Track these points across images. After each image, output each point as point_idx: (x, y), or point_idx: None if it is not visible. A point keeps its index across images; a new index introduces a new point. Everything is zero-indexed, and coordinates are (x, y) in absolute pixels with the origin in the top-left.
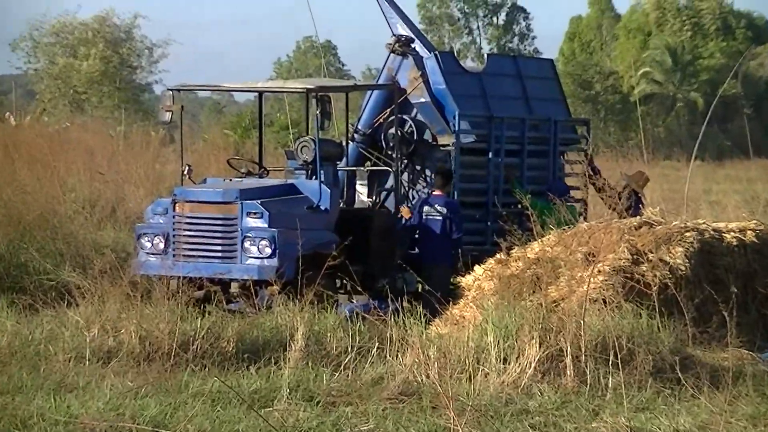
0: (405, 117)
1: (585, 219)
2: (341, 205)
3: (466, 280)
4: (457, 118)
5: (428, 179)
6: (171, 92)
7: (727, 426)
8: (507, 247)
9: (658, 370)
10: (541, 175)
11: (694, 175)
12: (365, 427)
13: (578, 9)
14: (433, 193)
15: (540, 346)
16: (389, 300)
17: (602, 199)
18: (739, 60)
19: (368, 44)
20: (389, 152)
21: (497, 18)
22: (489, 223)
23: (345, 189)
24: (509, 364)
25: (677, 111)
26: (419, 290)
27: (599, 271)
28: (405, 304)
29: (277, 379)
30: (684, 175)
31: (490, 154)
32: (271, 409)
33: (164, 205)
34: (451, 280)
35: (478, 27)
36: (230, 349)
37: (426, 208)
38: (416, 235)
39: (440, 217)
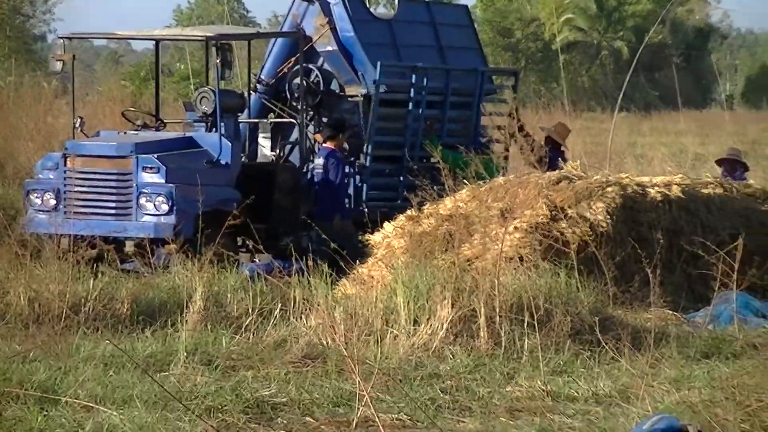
0: (311, 66)
1: (505, 174)
2: (243, 159)
3: (374, 238)
4: (379, 68)
5: None
6: (62, 40)
7: (649, 389)
8: (418, 203)
9: (576, 332)
10: (462, 129)
11: (618, 128)
12: (266, 392)
13: None
14: (323, 145)
15: (452, 307)
16: (293, 259)
17: (522, 153)
18: (667, 6)
19: None
20: (294, 103)
21: None
22: (401, 178)
23: (247, 142)
24: (420, 326)
25: (602, 60)
26: (323, 247)
27: (515, 228)
28: (310, 263)
29: (173, 343)
30: (608, 128)
31: (410, 106)
32: (167, 373)
33: (55, 159)
34: (352, 233)
35: None
36: (124, 311)
37: (315, 161)
38: None
39: (322, 170)
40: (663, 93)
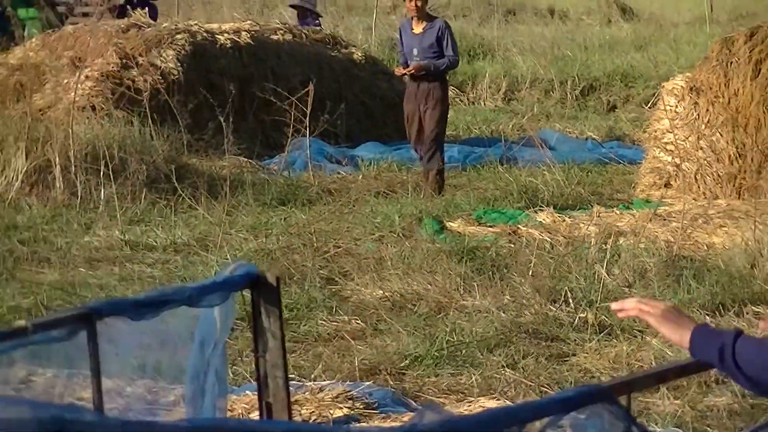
0: None
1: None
2: None
3: None
4: None
5: None
6: None
7: (227, 238)
8: None
9: (152, 181)
10: None
11: None
12: None
13: None
14: None
15: (27, 158)
16: None
17: None
18: None
19: None
20: None
21: None
22: None
23: None
24: None
25: None
26: None
27: (87, 77)
28: None
29: None
30: None
31: None
32: None
33: None
34: None
35: None
36: None
37: None
38: None
39: None
40: None
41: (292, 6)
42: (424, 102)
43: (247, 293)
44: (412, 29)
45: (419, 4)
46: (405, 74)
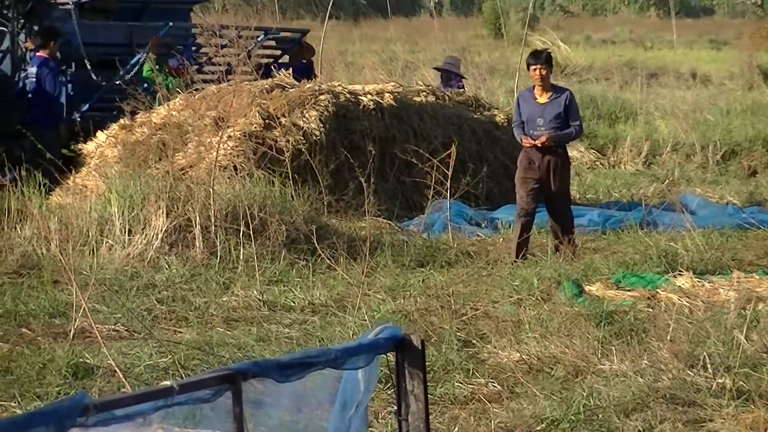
0: None
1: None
2: None
3: (87, 147)
4: None
5: None
6: None
7: (365, 298)
8: (131, 112)
9: (292, 241)
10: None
11: (329, 36)
12: None
13: None
14: (36, 54)
15: (167, 217)
16: (6, 169)
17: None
18: None
19: None
20: (5, 11)
21: None
22: (114, 87)
23: None
24: (135, 235)
25: None
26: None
27: (229, 137)
28: (23, 172)
29: None
30: (318, 36)
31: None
32: None
33: None
34: (62, 144)
35: None
36: None
37: (29, 69)
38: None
39: (35, 79)
40: (372, 0)
41: (436, 69)
42: (547, 171)
43: (390, 355)
44: (536, 98)
45: (543, 73)
46: (535, 145)
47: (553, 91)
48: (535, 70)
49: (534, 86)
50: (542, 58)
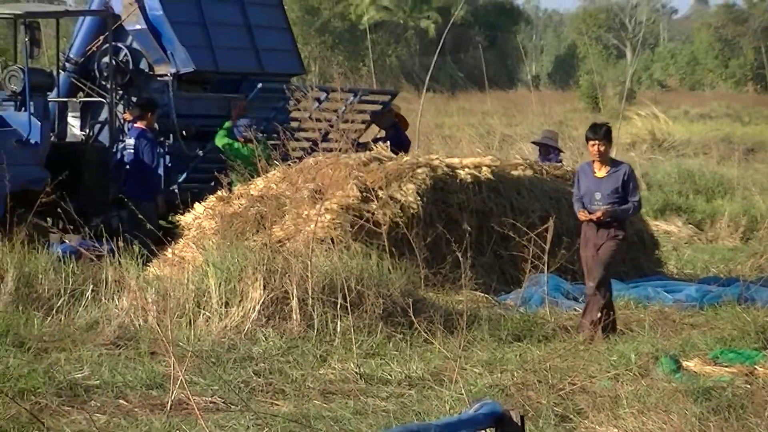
0: (119, 45)
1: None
2: (52, 138)
3: (185, 219)
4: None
5: None
6: None
7: (462, 372)
8: (229, 184)
9: (388, 314)
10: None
11: (426, 109)
12: (79, 375)
13: None
14: (134, 125)
15: (264, 289)
16: (104, 239)
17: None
18: None
19: None
20: (103, 83)
21: None
22: (212, 159)
23: (56, 122)
24: (232, 307)
25: (407, 39)
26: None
27: (326, 210)
28: (121, 243)
29: None
30: (415, 108)
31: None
32: None
33: None
34: (160, 215)
35: None
36: None
37: (126, 141)
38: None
39: (132, 150)
40: (469, 74)
41: (534, 143)
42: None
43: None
44: (594, 173)
45: (602, 148)
46: (591, 220)
47: (611, 165)
48: (593, 145)
49: (593, 161)
50: (600, 133)
